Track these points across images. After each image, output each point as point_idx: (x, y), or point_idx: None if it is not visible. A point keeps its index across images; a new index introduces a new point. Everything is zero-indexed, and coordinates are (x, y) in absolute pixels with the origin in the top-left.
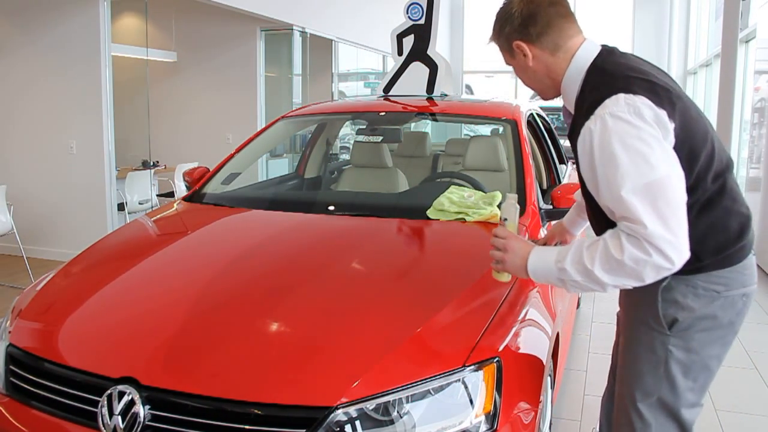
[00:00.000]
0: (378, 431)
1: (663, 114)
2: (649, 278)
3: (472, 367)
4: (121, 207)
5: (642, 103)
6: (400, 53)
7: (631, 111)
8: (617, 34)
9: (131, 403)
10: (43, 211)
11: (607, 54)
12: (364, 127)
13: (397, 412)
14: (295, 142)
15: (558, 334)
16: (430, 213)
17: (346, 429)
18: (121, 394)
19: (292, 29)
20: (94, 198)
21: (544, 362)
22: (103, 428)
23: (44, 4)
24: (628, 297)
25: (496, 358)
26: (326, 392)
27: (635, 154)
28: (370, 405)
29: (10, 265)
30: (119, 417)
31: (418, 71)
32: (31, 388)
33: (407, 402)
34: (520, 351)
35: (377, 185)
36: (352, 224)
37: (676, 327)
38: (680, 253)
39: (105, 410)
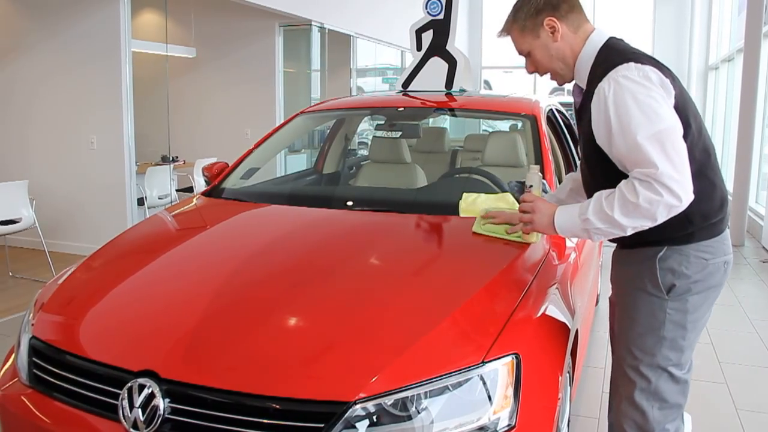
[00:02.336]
0: (396, 427)
1: (667, 81)
2: (662, 217)
3: (491, 363)
4: (140, 202)
5: (650, 70)
6: (419, 48)
7: (640, 74)
8: (638, 28)
9: (151, 396)
10: (64, 205)
11: (616, 39)
12: (383, 122)
13: (416, 407)
14: (314, 138)
15: (577, 331)
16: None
17: (364, 424)
18: (142, 387)
19: (310, 25)
20: (115, 193)
21: (563, 359)
22: (123, 421)
23: (65, 0)
24: (623, 269)
25: (515, 355)
26: (345, 387)
27: (647, 107)
28: (388, 400)
29: (32, 259)
30: (139, 410)
31: (436, 67)
32: (54, 380)
33: (425, 398)
34: (540, 348)
35: (396, 181)
36: (371, 220)
37: (673, 292)
38: (686, 191)
39: (125, 403)
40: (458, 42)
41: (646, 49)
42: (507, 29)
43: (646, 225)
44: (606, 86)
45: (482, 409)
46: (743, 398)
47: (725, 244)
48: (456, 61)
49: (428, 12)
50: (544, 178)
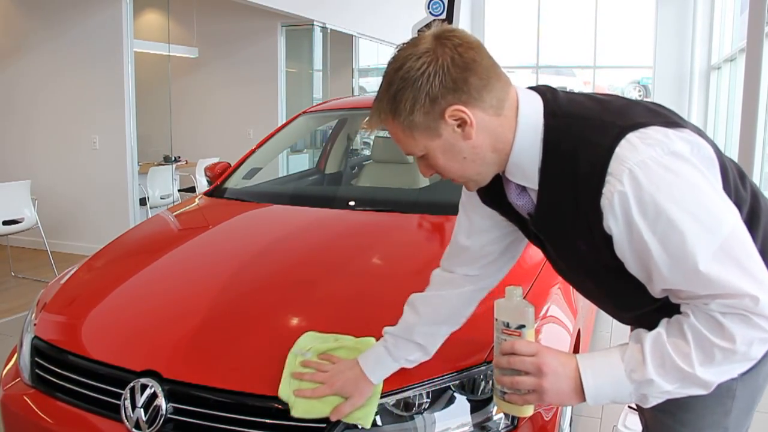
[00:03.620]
0: (398, 426)
1: (688, 134)
2: (760, 354)
3: (493, 363)
4: (143, 202)
5: (663, 134)
6: None
7: (660, 152)
8: (639, 29)
9: (153, 396)
10: (66, 205)
11: (552, 95)
12: None
13: (418, 407)
14: (316, 138)
15: (579, 331)
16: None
17: None
18: (144, 387)
19: (312, 25)
20: (117, 193)
21: None
22: (126, 421)
23: (67, 1)
24: None
25: None
26: None
27: (697, 210)
28: (390, 400)
29: (35, 259)
30: (141, 410)
31: None
32: (56, 380)
33: (428, 397)
34: None
35: (398, 181)
36: (373, 219)
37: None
38: None
39: (128, 403)
40: None
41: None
42: (381, 119)
43: (737, 372)
44: (619, 195)
45: (484, 409)
46: None
47: None
48: None
49: (430, 12)
50: None
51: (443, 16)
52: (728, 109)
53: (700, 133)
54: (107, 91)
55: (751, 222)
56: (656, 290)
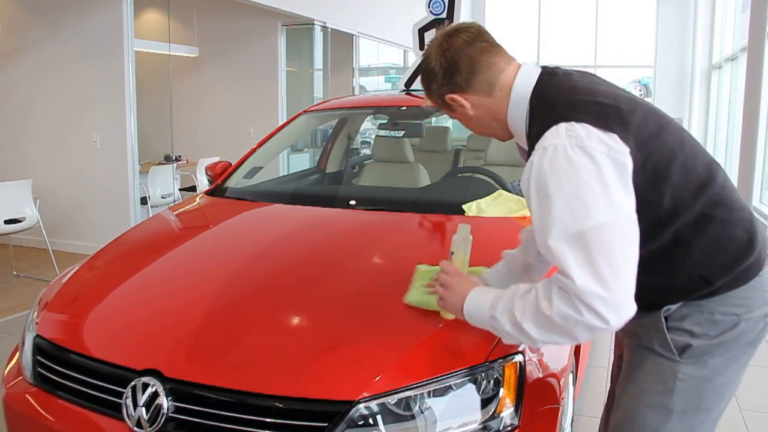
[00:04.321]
0: (399, 426)
1: (611, 138)
2: (582, 338)
3: (495, 363)
4: (143, 201)
5: (585, 131)
6: (421, 47)
7: (572, 143)
8: (640, 28)
9: (155, 395)
10: (67, 204)
11: (548, 78)
12: (386, 121)
13: (419, 407)
14: (316, 137)
15: None
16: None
17: (368, 423)
18: (145, 386)
19: (313, 24)
20: (118, 192)
21: (567, 359)
22: (127, 419)
23: (68, 1)
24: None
25: (519, 354)
26: (348, 387)
27: (572, 196)
28: (391, 400)
29: (36, 258)
30: (143, 408)
31: None
32: (58, 379)
33: (429, 397)
34: (543, 347)
35: (398, 180)
36: (374, 219)
37: (688, 353)
38: (618, 311)
39: (129, 401)
40: None
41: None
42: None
43: (563, 342)
44: (533, 159)
45: (486, 408)
46: (747, 398)
47: (765, 290)
48: None
49: (431, 11)
50: None
51: (444, 15)
52: (730, 109)
53: (638, 133)
54: (108, 91)
55: (694, 228)
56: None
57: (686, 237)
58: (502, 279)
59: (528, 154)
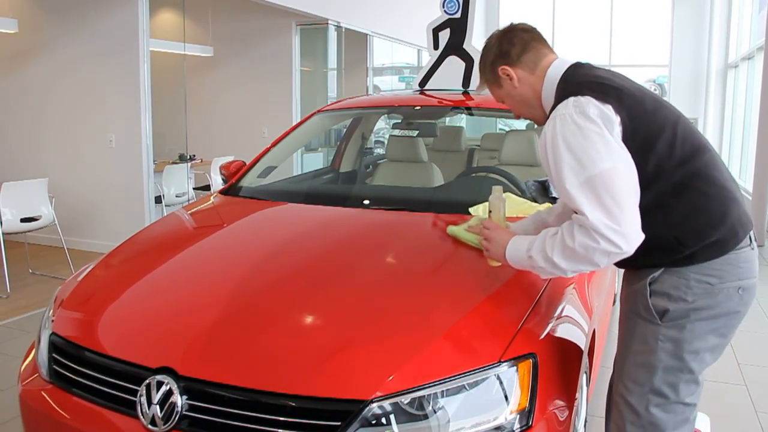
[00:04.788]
0: (412, 425)
1: (607, 108)
2: (602, 262)
3: (508, 363)
4: (158, 200)
5: (587, 101)
6: (436, 47)
7: (576, 111)
8: (656, 27)
9: (169, 392)
10: (83, 203)
11: (574, 68)
12: (400, 121)
13: (432, 406)
14: (330, 137)
15: (594, 331)
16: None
17: (381, 422)
18: (160, 384)
19: (327, 24)
20: (133, 190)
21: (581, 359)
22: (142, 417)
23: (84, 1)
24: (625, 290)
25: (532, 355)
26: (361, 386)
27: (579, 151)
28: (405, 399)
29: (52, 256)
30: (157, 406)
31: (454, 65)
32: (73, 376)
33: (442, 397)
34: (557, 347)
35: (412, 180)
36: (388, 218)
37: (667, 317)
38: (627, 238)
39: (144, 399)
40: (475, 40)
41: (664, 49)
42: (481, 80)
43: (587, 269)
44: (546, 128)
45: (499, 408)
46: (763, 400)
47: (740, 267)
48: (473, 60)
49: (445, 11)
50: None
51: (458, 15)
52: (746, 108)
53: (632, 109)
54: (123, 90)
55: (673, 193)
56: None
57: (666, 200)
58: (527, 231)
59: None
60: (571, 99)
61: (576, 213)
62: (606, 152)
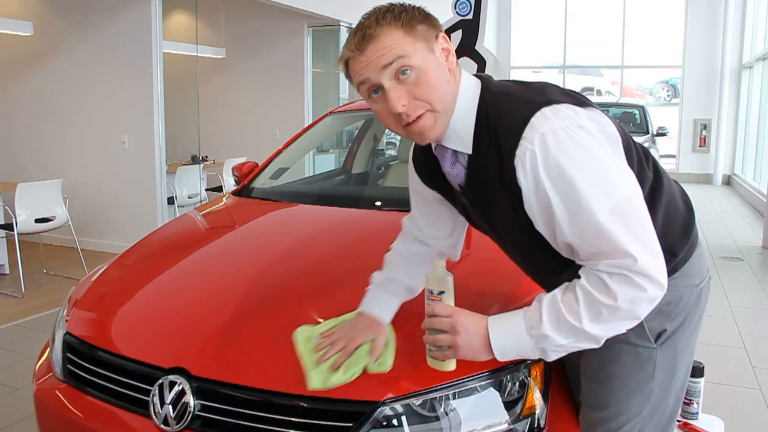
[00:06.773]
0: (424, 427)
1: (596, 113)
2: (645, 313)
3: (520, 364)
4: (171, 201)
5: (574, 112)
6: None
7: (570, 125)
8: (668, 28)
9: (182, 393)
10: (96, 203)
11: (487, 78)
12: None
13: (444, 408)
14: (342, 138)
15: None
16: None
17: (392, 424)
18: (172, 384)
19: (339, 25)
20: (146, 191)
21: None
22: (154, 417)
23: (98, 4)
24: None
25: None
26: (373, 387)
27: (593, 175)
28: (416, 401)
29: (66, 257)
30: (170, 406)
31: (465, 67)
32: (87, 376)
33: (454, 398)
34: None
35: None
36: (400, 220)
37: (663, 337)
38: (665, 273)
39: (156, 399)
40: (487, 42)
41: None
42: (378, 23)
43: (625, 329)
44: (530, 154)
45: (511, 410)
46: None
47: (704, 255)
48: (485, 61)
49: (457, 12)
50: None
51: (470, 17)
52: (760, 109)
53: (605, 114)
54: (137, 92)
55: (653, 198)
56: (560, 244)
57: (649, 207)
58: (389, 306)
59: (473, 157)
60: (547, 110)
61: (606, 261)
62: (619, 171)
